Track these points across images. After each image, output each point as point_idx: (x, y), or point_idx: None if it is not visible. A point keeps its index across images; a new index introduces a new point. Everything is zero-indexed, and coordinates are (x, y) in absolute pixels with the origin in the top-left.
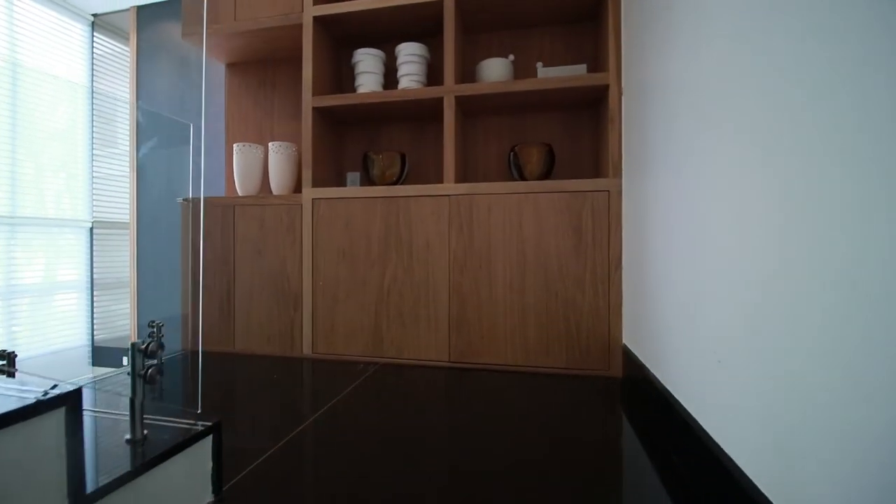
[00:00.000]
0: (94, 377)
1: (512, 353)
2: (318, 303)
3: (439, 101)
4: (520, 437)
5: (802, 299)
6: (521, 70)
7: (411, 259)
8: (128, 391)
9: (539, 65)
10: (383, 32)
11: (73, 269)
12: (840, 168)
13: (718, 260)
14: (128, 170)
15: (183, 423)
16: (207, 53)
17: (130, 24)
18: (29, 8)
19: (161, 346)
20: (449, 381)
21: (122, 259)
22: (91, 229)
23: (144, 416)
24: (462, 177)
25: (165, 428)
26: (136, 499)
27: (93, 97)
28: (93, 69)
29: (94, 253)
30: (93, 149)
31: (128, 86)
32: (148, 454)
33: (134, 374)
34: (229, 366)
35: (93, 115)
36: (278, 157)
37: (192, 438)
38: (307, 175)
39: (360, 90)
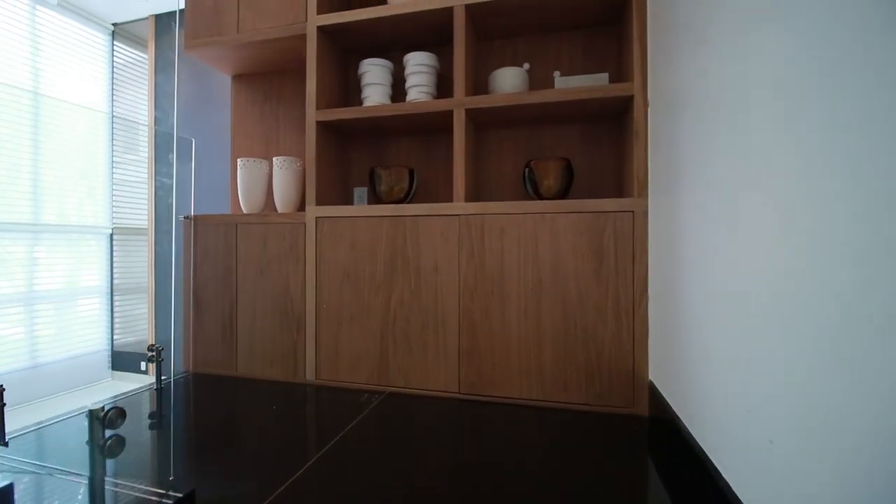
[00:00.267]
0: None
1: (526, 386)
2: (322, 326)
3: (449, 113)
4: (535, 488)
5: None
6: (537, 79)
7: (419, 282)
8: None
9: (556, 74)
10: (391, 41)
11: (95, 275)
12: None
13: (776, 304)
14: (146, 176)
15: (152, 496)
16: (212, 65)
17: (149, 32)
18: (52, 20)
19: (123, 413)
20: (459, 416)
21: (140, 264)
22: (111, 235)
23: (110, 478)
24: (473, 193)
25: (130, 500)
26: None
27: (113, 105)
28: (113, 77)
29: (115, 258)
30: (113, 157)
31: (146, 92)
32: None
33: (92, 445)
34: (230, 392)
35: (113, 123)
36: (283, 172)
37: None
38: (311, 192)
39: (367, 103)
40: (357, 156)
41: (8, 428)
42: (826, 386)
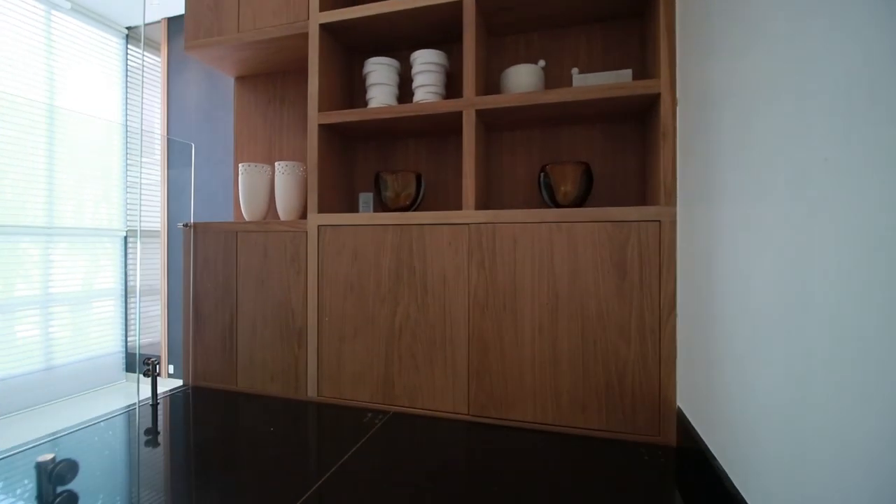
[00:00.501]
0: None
1: (541, 408)
2: (324, 340)
3: (458, 115)
4: None
5: None
6: (554, 77)
7: (426, 295)
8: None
9: (575, 71)
10: (397, 38)
11: (110, 277)
12: None
13: (833, 328)
14: (159, 179)
15: None
16: (214, 66)
17: (162, 35)
18: (68, 25)
19: (74, 467)
20: (468, 440)
21: (154, 266)
22: (125, 238)
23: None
24: (484, 200)
25: None
26: None
27: (127, 110)
28: (126, 80)
29: (128, 260)
30: (126, 161)
31: (159, 96)
32: None
33: None
34: (228, 409)
35: (126, 128)
36: (285, 178)
37: None
38: (312, 199)
39: (372, 103)
40: (362, 159)
41: (20, 431)
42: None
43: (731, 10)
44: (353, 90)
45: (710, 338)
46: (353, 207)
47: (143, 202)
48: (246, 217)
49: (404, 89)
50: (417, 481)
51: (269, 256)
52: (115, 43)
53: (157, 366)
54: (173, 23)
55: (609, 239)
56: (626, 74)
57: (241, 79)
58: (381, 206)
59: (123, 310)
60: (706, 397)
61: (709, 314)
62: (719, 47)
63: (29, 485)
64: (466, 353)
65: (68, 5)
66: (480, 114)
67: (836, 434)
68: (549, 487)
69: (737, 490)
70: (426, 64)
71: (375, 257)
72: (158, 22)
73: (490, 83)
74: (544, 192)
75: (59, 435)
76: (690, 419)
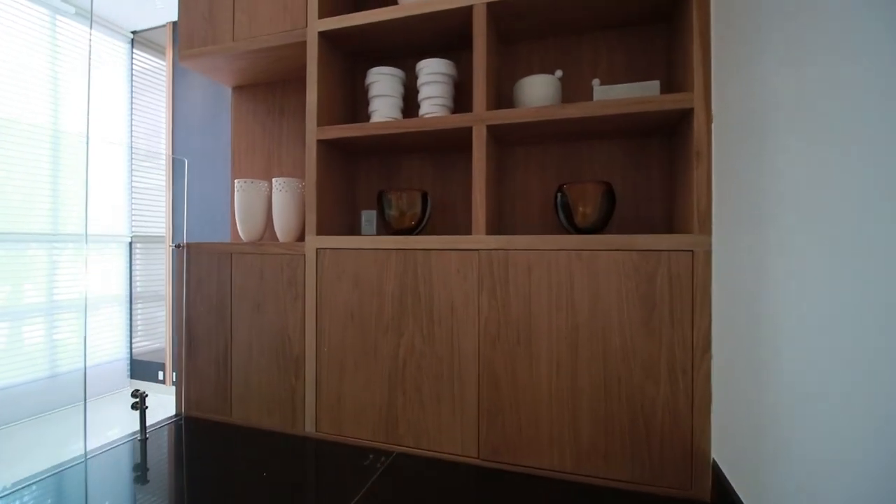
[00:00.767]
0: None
1: (559, 455)
2: (323, 372)
3: (467, 130)
4: None
5: None
6: (572, 88)
7: (432, 326)
8: None
9: (596, 82)
10: (402, 46)
11: (116, 283)
12: None
13: None
14: (163, 183)
15: None
16: (210, 76)
17: (167, 39)
18: (74, 30)
19: None
20: (478, 491)
21: (159, 272)
22: (130, 244)
23: None
24: (496, 221)
25: None
26: None
27: (132, 113)
28: (132, 84)
29: (134, 266)
30: (132, 168)
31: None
32: None
33: None
34: (222, 444)
35: (132, 132)
36: (283, 195)
37: None
38: (311, 220)
39: (374, 117)
40: (365, 174)
41: (25, 440)
42: None
43: (778, 10)
44: (355, 100)
45: (754, 383)
46: (354, 226)
47: (148, 208)
48: (242, 237)
49: (410, 101)
50: None
51: (266, 280)
52: (121, 47)
53: (146, 399)
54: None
55: (635, 269)
56: (653, 86)
57: (238, 88)
58: (384, 225)
59: (128, 316)
60: (746, 450)
61: (752, 356)
62: (769, 53)
63: None
64: (476, 390)
65: (72, 10)
66: (491, 129)
67: None
68: None
69: None
70: (433, 74)
71: (378, 284)
72: (163, 26)
73: (502, 95)
74: (561, 214)
75: (43, 476)
76: (727, 473)
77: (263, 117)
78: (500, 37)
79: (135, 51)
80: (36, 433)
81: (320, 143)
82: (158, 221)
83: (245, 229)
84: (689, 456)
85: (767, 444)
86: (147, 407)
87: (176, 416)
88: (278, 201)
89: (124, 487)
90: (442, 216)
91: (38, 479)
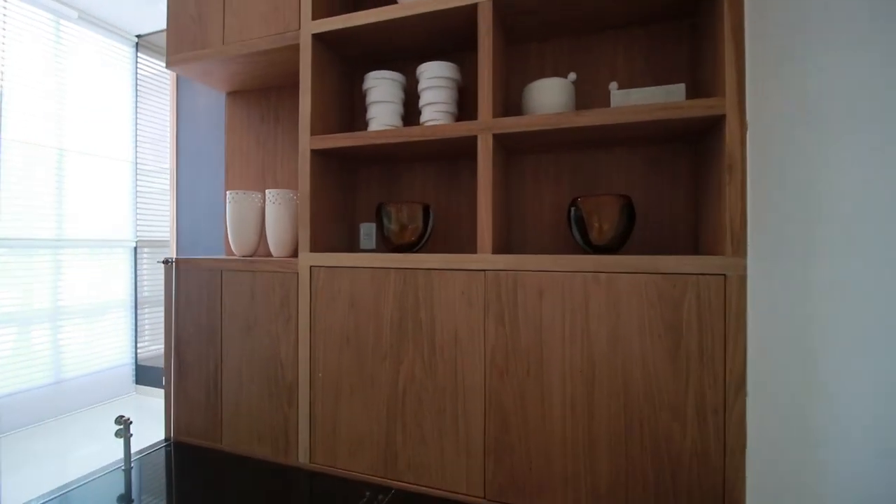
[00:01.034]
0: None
1: (573, 499)
2: (317, 399)
3: (472, 139)
4: None
5: None
6: (586, 92)
7: (433, 353)
8: None
9: (613, 86)
10: (403, 48)
11: (121, 288)
12: None
13: None
14: (167, 187)
15: None
16: (201, 82)
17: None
18: (79, 34)
19: None
20: None
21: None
22: (135, 248)
23: None
24: (504, 238)
25: None
26: None
27: (137, 117)
28: (137, 88)
29: (140, 270)
30: (137, 171)
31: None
32: None
33: None
34: (211, 473)
35: (137, 136)
36: (277, 208)
37: None
38: (304, 236)
39: (373, 124)
40: (364, 185)
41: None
42: None
43: (827, 5)
44: (353, 107)
45: (800, 428)
46: (353, 240)
47: (153, 212)
48: (235, 251)
49: (411, 106)
50: None
51: (257, 300)
52: (125, 51)
53: (130, 426)
54: None
55: (659, 295)
56: (678, 91)
57: (232, 94)
58: (383, 240)
59: (133, 321)
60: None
61: (797, 394)
62: (816, 54)
63: None
64: (482, 425)
65: (75, 14)
66: (499, 138)
67: None
68: None
69: None
70: (435, 79)
71: (375, 306)
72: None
73: (510, 100)
74: (575, 229)
75: None
76: None
77: (258, 124)
78: (508, 36)
79: (139, 55)
80: (42, 439)
81: (314, 153)
82: (164, 226)
83: (237, 243)
84: None
85: (809, 498)
86: (132, 435)
87: (165, 441)
88: (272, 214)
89: None
90: (445, 231)
91: None
